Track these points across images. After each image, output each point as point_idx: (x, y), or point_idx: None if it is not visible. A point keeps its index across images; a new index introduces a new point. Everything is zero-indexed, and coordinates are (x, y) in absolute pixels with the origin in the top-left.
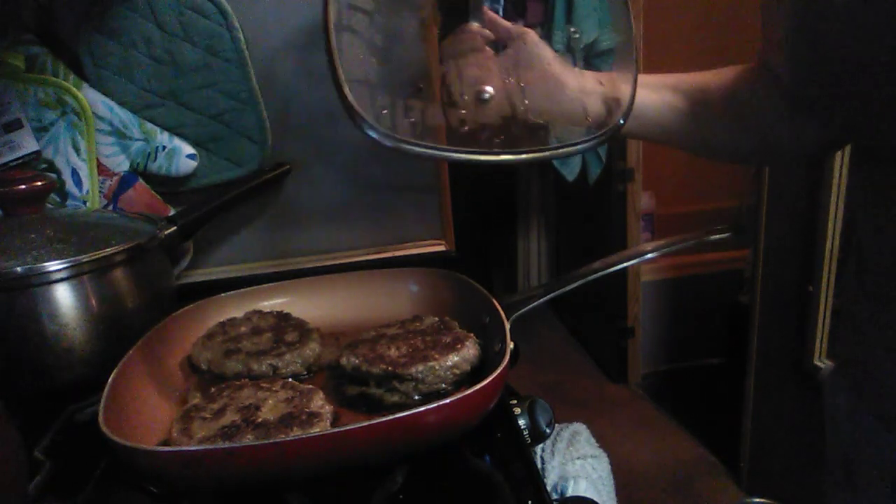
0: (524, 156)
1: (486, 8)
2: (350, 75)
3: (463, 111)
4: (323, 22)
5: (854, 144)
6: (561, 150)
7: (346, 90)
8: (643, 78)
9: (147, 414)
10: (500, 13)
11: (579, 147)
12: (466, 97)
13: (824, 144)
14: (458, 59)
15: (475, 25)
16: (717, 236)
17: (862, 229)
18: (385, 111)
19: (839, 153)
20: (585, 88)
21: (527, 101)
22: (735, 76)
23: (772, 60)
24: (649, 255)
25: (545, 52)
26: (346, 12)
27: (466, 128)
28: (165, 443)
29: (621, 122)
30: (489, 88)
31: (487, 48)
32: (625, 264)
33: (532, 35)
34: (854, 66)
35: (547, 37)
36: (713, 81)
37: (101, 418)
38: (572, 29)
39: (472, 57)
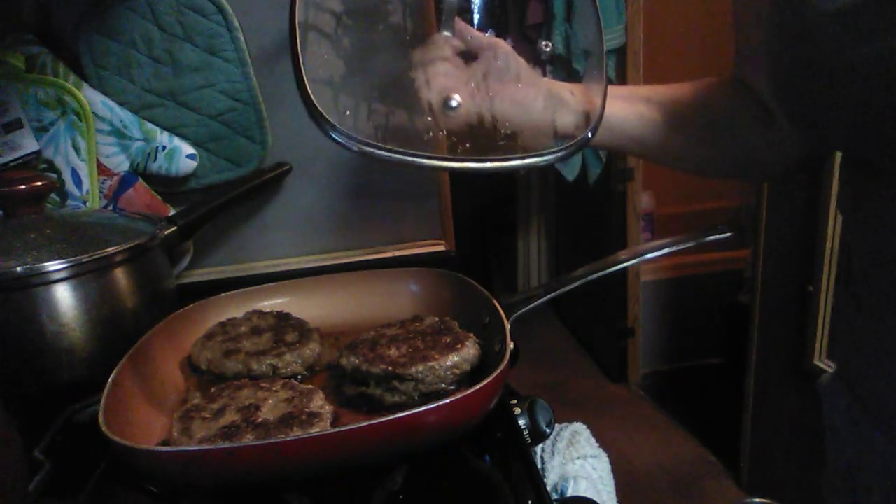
0: (489, 164)
1: (457, 18)
2: (314, 76)
3: (429, 118)
4: (289, 19)
5: (839, 157)
6: (528, 161)
7: (310, 91)
8: (616, 89)
9: (147, 414)
10: (473, 24)
11: (546, 158)
12: (433, 105)
13: (802, 158)
14: (426, 68)
15: (446, 35)
16: (717, 236)
17: (852, 241)
18: (348, 113)
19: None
20: (556, 100)
21: (495, 111)
22: (710, 88)
23: (747, 73)
24: (649, 255)
25: (516, 64)
26: (314, 13)
27: (431, 134)
28: (165, 443)
29: (589, 134)
30: (457, 97)
31: (457, 58)
32: (625, 264)
33: (504, 46)
34: (838, 78)
35: (547, 35)
36: (688, 93)
37: (101, 418)
38: (543, 42)
39: (441, 65)
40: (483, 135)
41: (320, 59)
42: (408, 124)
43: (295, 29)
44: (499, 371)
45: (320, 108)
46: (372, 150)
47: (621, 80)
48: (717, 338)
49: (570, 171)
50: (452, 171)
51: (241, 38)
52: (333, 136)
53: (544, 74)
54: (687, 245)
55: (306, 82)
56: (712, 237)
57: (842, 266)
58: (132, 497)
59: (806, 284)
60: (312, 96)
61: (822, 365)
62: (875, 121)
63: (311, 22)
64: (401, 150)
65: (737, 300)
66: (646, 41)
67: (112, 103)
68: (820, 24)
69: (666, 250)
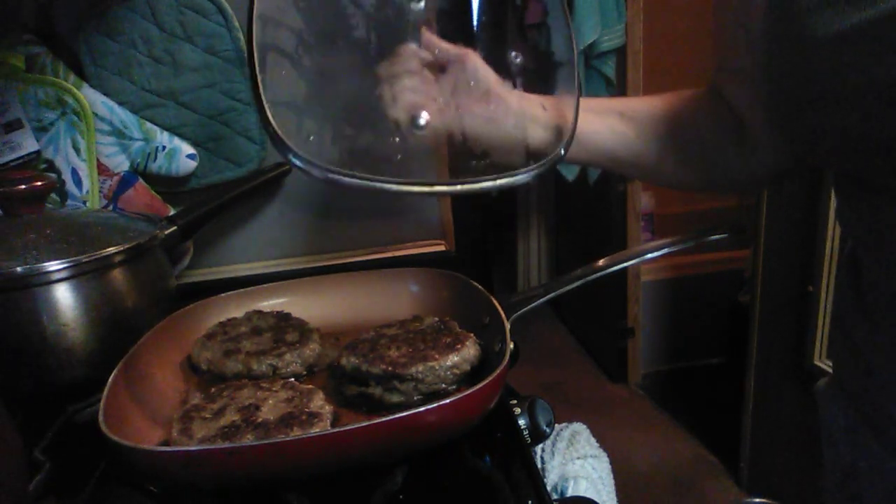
0: (459, 187)
1: (424, 28)
2: (276, 98)
3: (397, 138)
4: (246, 41)
5: (811, 172)
6: (499, 182)
7: (270, 115)
8: (589, 102)
9: (147, 414)
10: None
11: (518, 178)
12: (401, 123)
13: (777, 171)
14: (392, 82)
15: (412, 47)
16: (717, 236)
17: (858, 246)
18: (312, 138)
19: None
20: (528, 113)
21: (465, 129)
22: (683, 101)
23: (724, 86)
24: (649, 255)
25: (487, 75)
26: (273, 32)
27: (400, 156)
28: (165, 443)
29: (562, 151)
30: (425, 114)
31: (426, 71)
32: (625, 264)
33: (473, 57)
34: (834, 101)
35: (546, 37)
36: (661, 107)
37: (101, 418)
38: (513, 53)
39: (409, 80)
40: (453, 153)
41: (282, 81)
42: (375, 146)
43: (253, 51)
44: (499, 371)
45: (279, 132)
46: (336, 176)
47: (621, 80)
48: (717, 338)
49: (570, 172)
50: (421, 195)
51: (242, 38)
52: (294, 160)
53: (514, 87)
54: (687, 245)
55: (266, 105)
56: (712, 237)
57: (843, 274)
58: (132, 497)
59: (806, 284)
60: (272, 119)
61: (822, 365)
62: (873, 143)
63: (270, 42)
64: (366, 175)
65: (737, 300)
66: (646, 41)
67: (112, 103)
68: (816, 49)
69: (666, 250)
